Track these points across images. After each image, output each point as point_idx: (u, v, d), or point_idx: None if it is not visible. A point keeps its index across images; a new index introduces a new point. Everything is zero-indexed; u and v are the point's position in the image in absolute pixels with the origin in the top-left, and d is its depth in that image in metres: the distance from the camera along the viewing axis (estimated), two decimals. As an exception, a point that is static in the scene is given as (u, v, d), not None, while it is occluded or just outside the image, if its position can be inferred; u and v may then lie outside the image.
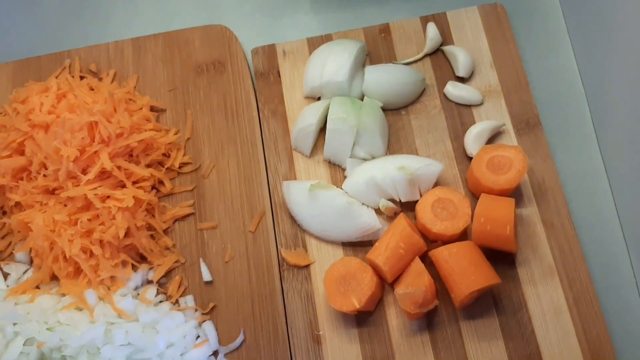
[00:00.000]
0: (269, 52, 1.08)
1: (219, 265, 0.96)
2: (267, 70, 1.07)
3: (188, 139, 1.04)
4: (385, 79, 0.99)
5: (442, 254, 0.88)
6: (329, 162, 1.01)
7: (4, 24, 1.19)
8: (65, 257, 0.92)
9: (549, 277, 0.91)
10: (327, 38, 1.08)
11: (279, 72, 1.07)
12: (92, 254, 0.92)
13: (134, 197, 0.93)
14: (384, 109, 1.01)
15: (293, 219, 0.98)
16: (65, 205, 0.94)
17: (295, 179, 1.00)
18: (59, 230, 0.92)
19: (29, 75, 1.10)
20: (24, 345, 0.86)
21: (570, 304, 0.89)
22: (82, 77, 1.08)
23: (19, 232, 0.97)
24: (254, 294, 0.94)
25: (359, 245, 0.96)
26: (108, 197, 0.93)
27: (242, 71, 1.07)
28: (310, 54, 1.06)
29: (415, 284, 0.87)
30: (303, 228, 0.97)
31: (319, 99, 1.04)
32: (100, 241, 0.92)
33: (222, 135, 1.03)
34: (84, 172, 0.94)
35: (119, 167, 0.95)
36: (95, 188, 0.93)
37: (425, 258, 0.91)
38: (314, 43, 1.08)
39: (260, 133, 1.03)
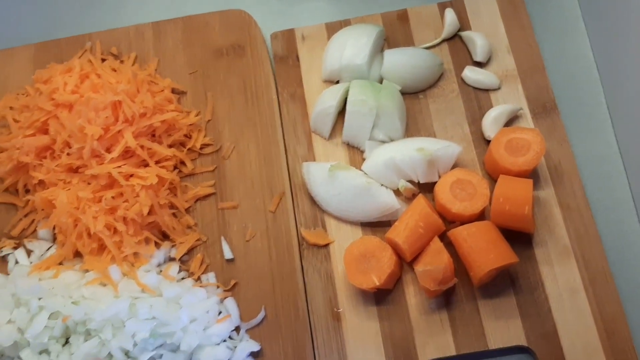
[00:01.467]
0: (288, 37, 1.10)
1: (240, 244, 0.97)
2: (286, 55, 1.09)
3: (208, 120, 1.05)
4: (404, 61, 1.01)
5: (461, 234, 0.89)
6: (348, 144, 1.02)
7: (25, 7, 1.20)
8: (89, 233, 0.93)
9: (565, 258, 0.92)
10: (345, 23, 1.09)
11: (297, 56, 1.08)
12: (115, 231, 0.93)
13: (157, 175, 0.95)
14: (402, 93, 1.02)
15: (312, 200, 0.99)
16: (88, 184, 0.96)
17: (314, 161, 1.01)
18: (83, 207, 0.93)
19: (49, 57, 1.12)
20: (48, 319, 0.88)
21: (586, 284, 0.91)
22: (103, 60, 1.09)
23: (42, 209, 0.98)
24: (274, 272, 0.95)
25: (378, 226, 0.97)
26: (132, 175, 0.95)
27: (262, 55, 1.09)
28: (329, 38, 1.08)
29: (435, 262, 0.88)
30: (322, 208, 0.98)
31: (337, 82, 1.05)
32: (124, 218, 0.93)
33: (242, 117, 1.05)
34: (108, 150, 0.95)
35: (142, 147, 0.96)
36: (119, 166, 0.94)
37: (443, 238, 0.93)
38: (332, 28, 1.09)
39: (280, 116, 1.05)
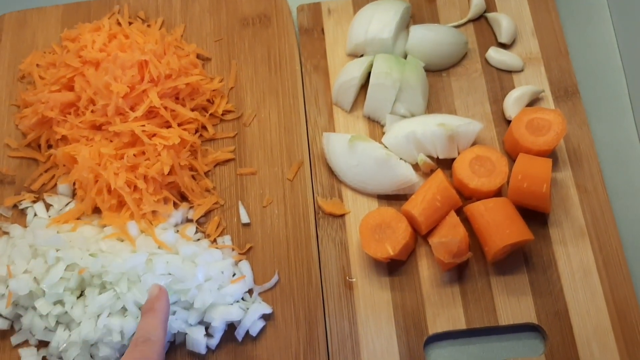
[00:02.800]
0: (314, 10, 1.11)
1: (257, 209, 0.98)
2: (312, 27, 1.09)
3: (232, 87, 1.06)
4: (429, 38, 1.01)
5: (478, 208, 0.90)
6: (368, 118, 1.03)
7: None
8: (109, 190, 0.94)
9: (579, 239, 0.93)
10: (372, -1, 1.10)
11: (323, 29, 1.09)
12: (135, 188, 0.94)
13: (179, 136, 0.96)
14: (426, 70, 1.03)
15: (330, 170, 1.00)
16: (110, 141, 0.97)
17: (334, 132, 1.02)
18: (104, 163, 0.94)
19: (77, 18, 1.13)
20: (64, 270, 0.89)
21: (599, 266, 0.91)
22: (130, 24, 1.10)
23: (63, 165, 0.99)
24: (289, 239, 0.96)
25: (394, 199, 0.98)
26: (154, 135, 0.96)
27: (287, 26, 1.09)
28: (355, 13, 1.09)
29: (450, 235, 0.89)
30: (340, 179, 0.99)
31: (361, 56, 1.06)
32: (145, 176, 0.94)
33: (265, 86, 1.06)
34: (132, 109, 0.96)
35: (165, 108, 0.97)
36: (143, 125, 0.95)
37: (458, 214, 0.93)
38: (358, 3, 1.10)
39: (302, 86, 1.06)
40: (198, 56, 1.08)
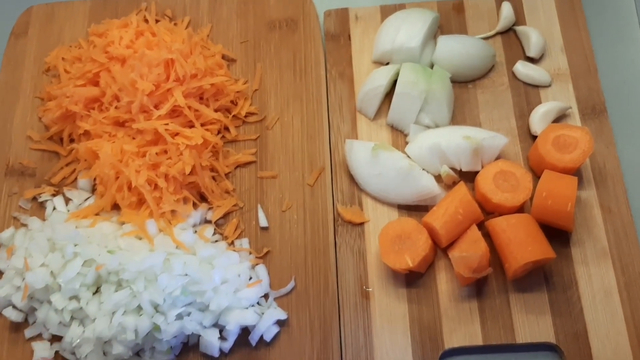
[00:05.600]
0: (342, 16, 1.10)
1: (276, 213, 0.97)
2: (338, 33, 1.09)
3: (255, 90, 1.06)
4: (457, 49, 1.01)
5: (500, 224, 0.89)
6: (392, 126, 1.02)
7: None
8: (129, 187, 0.94)
9: (602, 260, 0.91)
10: (399, 7, 1.09)
11: (349, 35, 1.09)
12: (156, 187, 0.94)
13: (202, 137, 0.95)
14: (452, 81, 1.02)
15: (351, 178, 0.99)
16: (133, 138, 0.96)
17: (356, 140, 1.01)
18: (126, 160, 0.94)
19: (104, 14, 1.13)
20: (82, 266, 0.88)
21: (621, 288, 0.90)
22: (156, 21, 1.10)
23: (85, 160, 0.99)
24: (307, 245, 0.95)
25: (414, 210, 0.97)
26: (177, 134, 0.96)
27: (314, 31, 1.09)
28: (382, 21, 1.08)
29: (471, 250, 0.88)
30: (361, 187, 0.98)
31: (387, 64, 1.05)
32: (166, 175, 0.94)
33: (289, 90, 1.05)
34: (156, 107, 0.96)
35: (189, 107, 0.97)
36: (166, 124, 0.95)
37: (479, 229, 0.92)
38: (386, 11, 1.09)
39: (326, 93, 1.05)
40: (223, 57, 1.07)
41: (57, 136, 1.04)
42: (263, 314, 0.90)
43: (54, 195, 1.01)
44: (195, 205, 0.97)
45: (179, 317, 0.87)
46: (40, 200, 1.00)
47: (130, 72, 0.95)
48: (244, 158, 1.00)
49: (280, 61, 1.07)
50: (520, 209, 0.92)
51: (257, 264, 0.94)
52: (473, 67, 1.01)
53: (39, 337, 0.93)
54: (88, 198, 1.00)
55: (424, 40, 1.01)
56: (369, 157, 0.96)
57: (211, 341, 0.88)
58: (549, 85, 1.02)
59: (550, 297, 0.90)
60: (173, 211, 0.95)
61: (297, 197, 0.98)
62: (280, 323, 0.91)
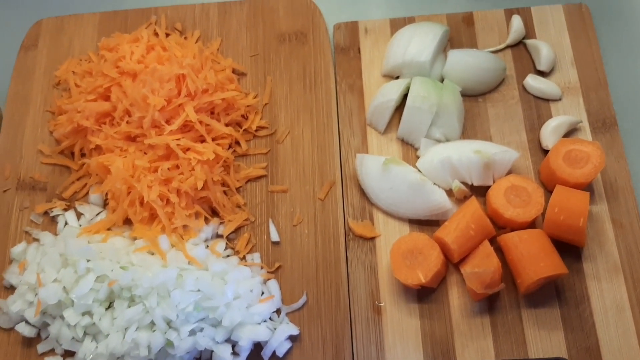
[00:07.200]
0: (351, 29, 1.10)
1: (287, 228, 0.97)
2: (348, 46, 1.09)
3: (266, 104, 1.06)
4: (467, 63, 1.01)
5: (512, 239, 0.89)
6: (402, 140, 1.02)
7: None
8: (141, 202, 0.94)
9: (613, 275, 0.92)
10: (409, 20, 1.10)
11: (359, 48, 1.09)
12: (168, 202, 0.94)
13: (213, 152, 0.95)
14: (462, 95, 1.02)
15: (362, 192, 0.99)
16: (144, 153, 0.97)
17: (367, 153, 1.02)
18: (138, 175, 0.94)
19: (114, 27, 1.13)
20: (94, 281, 0.88)
21: (633, 303, 0.90)
22: (167, 35, 1.10)
23: (96, 174, 0.99)
24: (318, 259, 0.95)
25: (426, 224, 0.97)
26: (188, 149, 0.96)
27: (324, 44, 1.09)
28: (392, 34, 1.08)
29: (483, 265, 0.88)
30: (372, 201, 0.98)
31: (396, 78, 1.05)
32: (178, 190, 0.94)
33: (299, 103, 1.05)
34: (168, 123, 0.96)
35: (200, 122, 0.97)
36: (178, 139, 0.95)
37: (491, 244, 0.92)
38: (396, 24, 1.10)
39: (336, 106, 1.05)
40: (233, 71, 1.07)
41: (68, 150, 1.04)
42: (275, 329, 0.90)
43: (65, 209, 1.01)
44: (206, 220, 0.97)
45: (192, 332, 0.87)
46: (52, 214, 1.00)
47: (141, 87, 0.96)
48: (255, 172, 1.00)
49: (290, 74, 1.08)
50: (531, 224, 0.93)
51: (268, 279, 0.94)
52: (483, 80, 1.01)
53: (51, 352, 0.93)
54: (99, 213, 1.00)
55: (434, 54, 1.01)
56: (380, 171, 0.96)
57: (224, 357, 0.88)
58: (560, 99, 1.02)
59: (562, 312, 0.90)
60: (185, 226, 0.95)
61: (308, 211, 0.98)
62: (292, 338, 0.91)
